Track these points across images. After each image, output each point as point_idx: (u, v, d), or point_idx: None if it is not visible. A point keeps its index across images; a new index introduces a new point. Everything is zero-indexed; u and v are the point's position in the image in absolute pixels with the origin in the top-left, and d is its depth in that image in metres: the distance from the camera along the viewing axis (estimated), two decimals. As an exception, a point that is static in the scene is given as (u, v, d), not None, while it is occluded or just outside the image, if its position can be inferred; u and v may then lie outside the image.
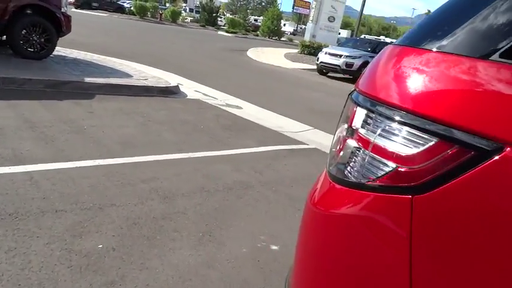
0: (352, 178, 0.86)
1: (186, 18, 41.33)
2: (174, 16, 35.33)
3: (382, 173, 0.80)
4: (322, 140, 5.40)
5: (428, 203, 0.72)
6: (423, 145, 0.75)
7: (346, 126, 0.95)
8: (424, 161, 0.74)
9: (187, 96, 6.85)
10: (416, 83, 0.79)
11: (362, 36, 33.02)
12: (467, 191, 0.69)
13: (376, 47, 14.34)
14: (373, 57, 1.00)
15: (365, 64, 13.18)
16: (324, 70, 14.27)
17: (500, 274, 0.68)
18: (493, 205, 0.67)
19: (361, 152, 0.86)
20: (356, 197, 0.84)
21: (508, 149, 0.66)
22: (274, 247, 2.59)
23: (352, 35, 36.44)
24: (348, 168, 0.89)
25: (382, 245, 0.80)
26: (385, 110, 0.81)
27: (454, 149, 0.71)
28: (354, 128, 0.89)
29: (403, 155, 0.77)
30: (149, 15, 33.94)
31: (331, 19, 23.26)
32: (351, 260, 0.87)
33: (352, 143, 0.89)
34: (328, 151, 1.04)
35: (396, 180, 0.77)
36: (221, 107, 6.45)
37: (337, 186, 0.90)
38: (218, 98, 7.10)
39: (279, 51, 20.73)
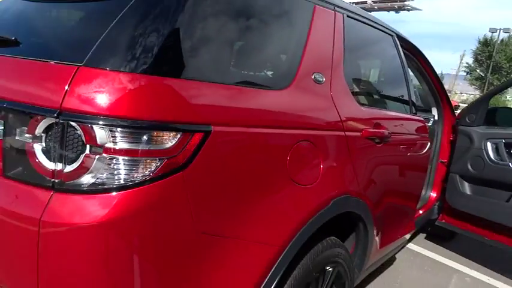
0: (122, 182, 0.96)
1: None
2: None
3: (154, 167, 0.98)
4: None
5: (192, 173, 1.04)
6: (172, 140, 1.01)
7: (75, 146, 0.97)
8: (178, 149, 1.01)
9: None
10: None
11: None
12: (210, 159, 1.07)
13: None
14: None
15: None
16: None
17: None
18: (227, 166, 1.13)
19: (121, 159, 0.96)
20: (142, 196, 0.97)
21: (213, 128, 1.06)
22: None
23: None
24: (106, 175, 0.96)
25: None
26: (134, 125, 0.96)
27: (185, 137, 1.02)
28: (102, 145, 0.95)
29: (165, 149, 1.00)
30: None
31: None
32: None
33: (103, 157, 0.96)
34: None
35: (168, 167, 1.00)
36: None
37: (93, 195, 0.95)
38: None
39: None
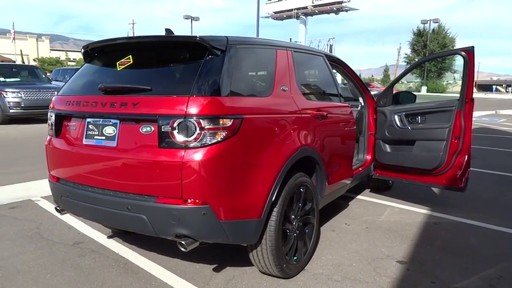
0: (213, 142, 2.24)
1: None
2: None
3: (225, 134, 2.26)
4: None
5: (239, 136, 2.34)
6: (230, 122, 2.31)
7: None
8: (233, 126, 2.32)
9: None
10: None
11: None
12: (245, 129, 2.38)
13: None
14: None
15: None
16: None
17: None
18: (253, 132, 2.46)
19: (212, 132, 2.24)
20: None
21: (244, 116, 2.39)
22: None
23: None
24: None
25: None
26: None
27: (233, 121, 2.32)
28: (204, 127, 2.22)
29: (228, 126, 2.30)
30: None
31: None
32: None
33: (204, 132, 2.22)
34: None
35: (230, 134, 2.30)
36: None
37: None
38: None
39: None
